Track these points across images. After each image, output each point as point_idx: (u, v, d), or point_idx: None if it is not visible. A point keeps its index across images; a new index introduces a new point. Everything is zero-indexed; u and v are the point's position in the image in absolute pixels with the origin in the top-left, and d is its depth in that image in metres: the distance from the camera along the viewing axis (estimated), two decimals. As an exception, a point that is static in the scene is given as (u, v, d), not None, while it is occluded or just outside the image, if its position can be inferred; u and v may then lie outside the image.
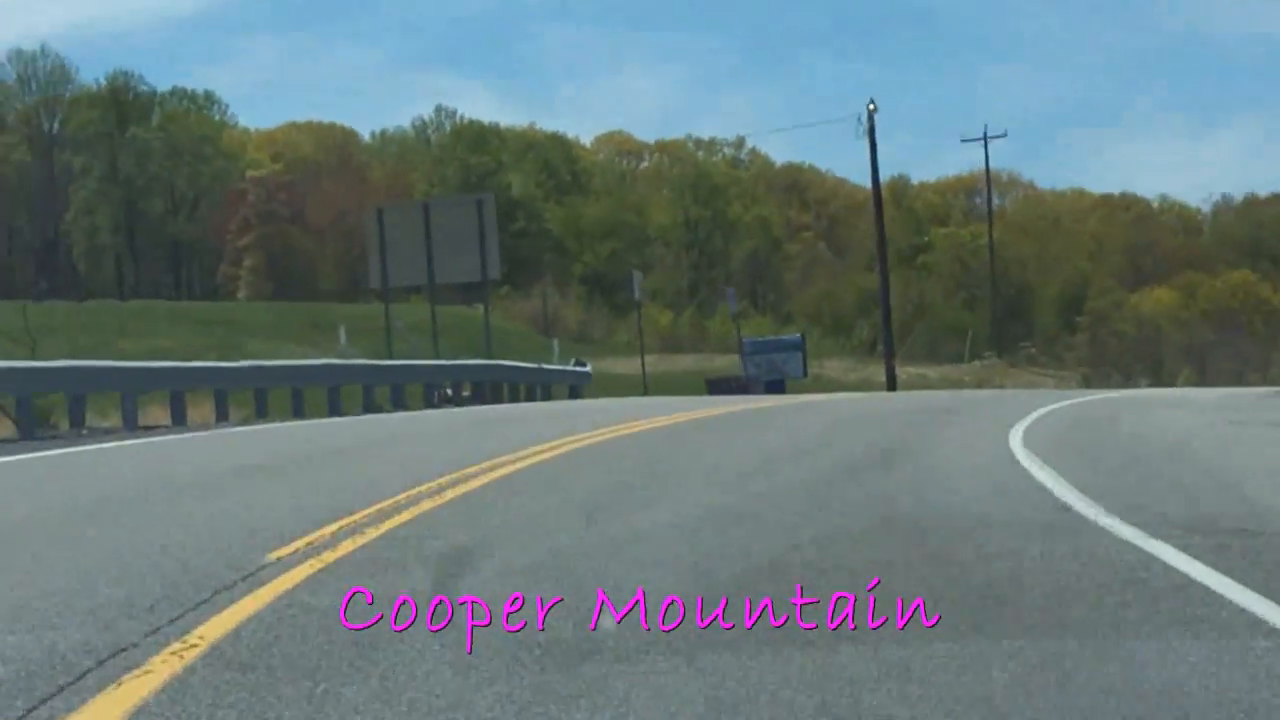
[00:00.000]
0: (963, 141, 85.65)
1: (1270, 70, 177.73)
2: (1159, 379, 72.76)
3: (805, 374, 57.96)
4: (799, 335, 62.30)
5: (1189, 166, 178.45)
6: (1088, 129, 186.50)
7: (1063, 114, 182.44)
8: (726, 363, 71.65)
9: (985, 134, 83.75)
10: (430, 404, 38.09)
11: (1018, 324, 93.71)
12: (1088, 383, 71.28)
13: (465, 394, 39.16)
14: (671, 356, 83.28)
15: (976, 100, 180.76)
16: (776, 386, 54.57)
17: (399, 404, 36.84)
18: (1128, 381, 71.39)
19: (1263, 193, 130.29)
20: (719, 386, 45.54)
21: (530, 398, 42.58)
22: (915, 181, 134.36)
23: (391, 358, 41.25)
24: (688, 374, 72.67)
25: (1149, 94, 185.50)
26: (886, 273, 65.02)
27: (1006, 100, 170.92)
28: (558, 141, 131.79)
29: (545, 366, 45.94)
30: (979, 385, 68.58)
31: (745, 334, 65.01)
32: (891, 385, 60.41)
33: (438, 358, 41.89)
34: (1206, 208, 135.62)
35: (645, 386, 46.84)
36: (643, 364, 48.82)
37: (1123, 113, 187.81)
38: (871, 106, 63.10)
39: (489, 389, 41.02)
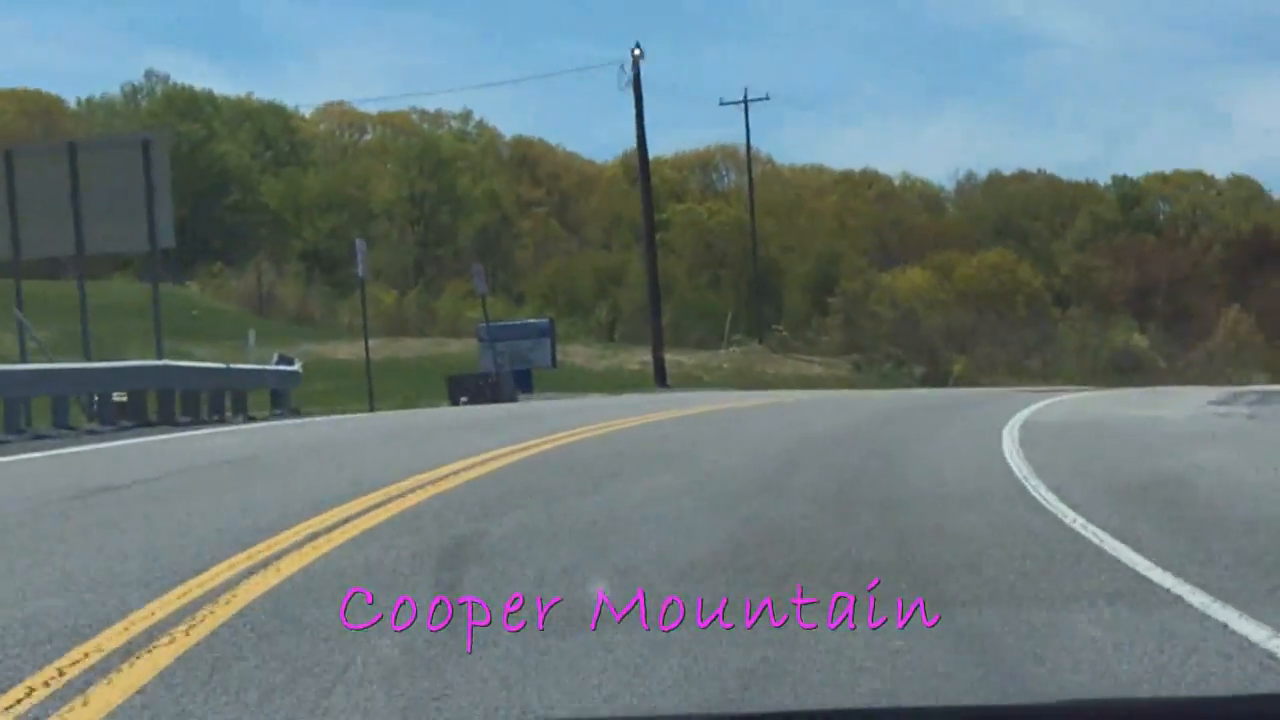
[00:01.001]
0: (721, 104, 78.75)
1: (997, 55, 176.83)
2: (935, 366, 67.40)
3: (554, 363, 50.61)
4: (547, 319, 54.46)
5: (923, 145, 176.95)
6: (823, 108, 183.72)
7: (797, 92, 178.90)
8: (461, 349, 64.34)
9: (745, 97, 76.86)
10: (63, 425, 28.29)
11: (767, 306, 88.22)
12: (859, 369, 65.61)
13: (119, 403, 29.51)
14: (398, 340, 76.05)
15: (710, 77, 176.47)
16: (523, 380, 47.40)
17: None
18: (899, 371, 65.97)
19: (1006, 170, 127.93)
20: (465, 387, 36.79)
21: (214, 410, 32.15)
22: (650, 157, 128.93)
23: (22, 359, 31.68)
24: (420, 360, 65.48)
25: (883, 74, 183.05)
26: (654, 249, 58.06)
27: (742, 78, 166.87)
28: (276, 111, 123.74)
29: (236, 367, 34.98)
30: (742, 374, 62.37)
31: (481, 317, 57.92)
32: (661, 375, 53.66)
33: (87, 356, 32.28)
34: (950, 185, 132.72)
35: (369, 375, 38.29)
36: (366, 350, 40.54)
37: (856, 92, 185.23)
38: (637, 52, 55.91)
39: (154, 400, 30.87)
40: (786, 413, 25.71)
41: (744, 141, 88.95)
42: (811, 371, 66.58)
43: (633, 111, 56.67)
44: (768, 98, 79.18)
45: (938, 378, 65.68)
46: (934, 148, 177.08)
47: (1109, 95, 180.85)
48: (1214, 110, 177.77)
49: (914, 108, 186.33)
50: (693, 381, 58.34)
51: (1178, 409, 27.88)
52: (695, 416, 23.75)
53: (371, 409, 33.89)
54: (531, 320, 54.84)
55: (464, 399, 35.11)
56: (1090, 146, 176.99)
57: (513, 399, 36.11)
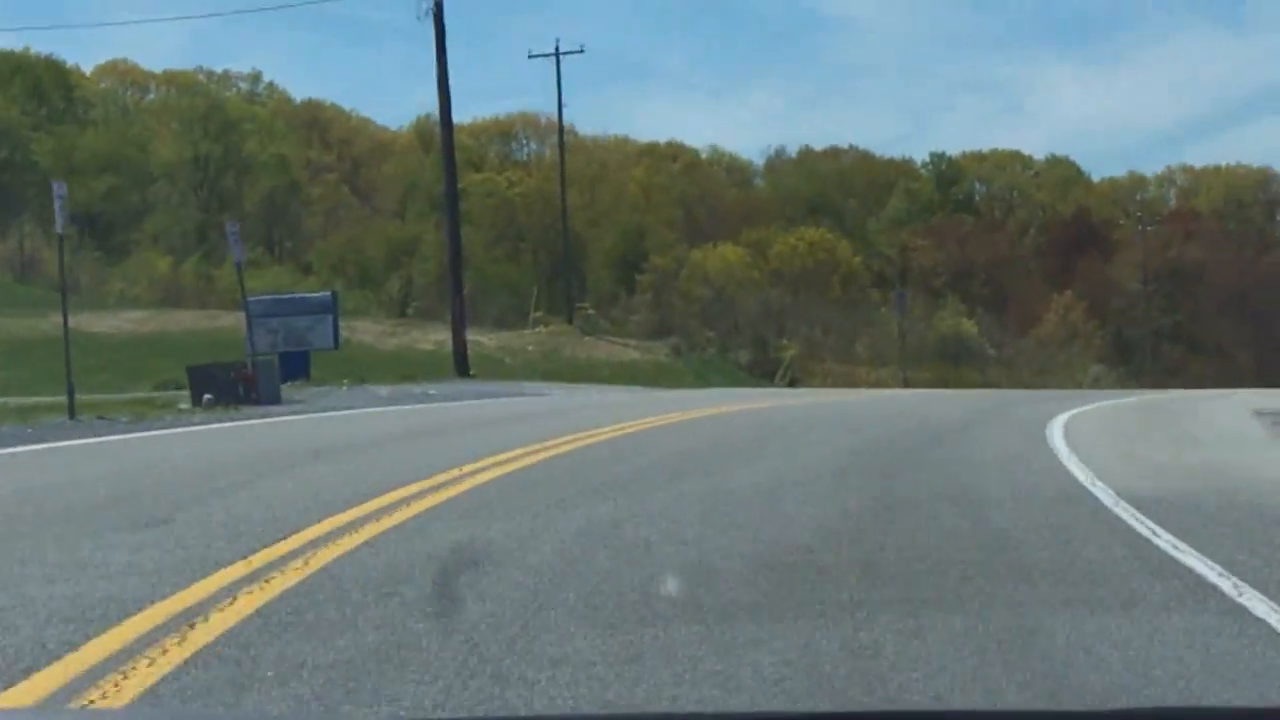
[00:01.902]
0: (530, 57, 72.30)
1: (801, 32, 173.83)
2: (763, 352, 62.22)
3: (337, 343, 44.12)
4: (329, 293, 47.58)
5: (730, 120, 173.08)
6: (626, 80, 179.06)
7: (599, 65, 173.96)
8: (234, 322, 57.86)
9: (557, 50, 70.62)
10: None
11: (571, 282, 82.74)
12: (679, 354, 60.32)
13: None
14: (168, 312, 69.36)
15: (508, 47, 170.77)
16: (298, 365, 41.05)
17: None
18: (724, 358, 60.79)
19: (817, 145, 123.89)
20: (210, 381, 29.39)
21: None
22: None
23: None
24: (187, 335, 58.86)
25: (687, 47, 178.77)
26: (456, 212, 51.61)
27: (542, 47, 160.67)
28: (52, 66, 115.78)
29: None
30: (549, 358, 56.68)
31: (258, 289, 51.60)
32: (462, 363, 47.60)
33: None
34: (760, 160, 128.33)
35: (68, 356, 31.28)
36: (65, 324, 33.64)
37: (660, 64, 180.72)
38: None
39: None
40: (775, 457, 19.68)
41: (545, 110, 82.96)
42: (626, 356, 61.09)
43: (433, 74, 50.31)
44: (582, 50, 72.81)
45: (767, 364, 60.58)
46: (741, 123, 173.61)
47: (913, 76, 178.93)
48: (1014, 94, 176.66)
49: (719, 82, 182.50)
50: (494, 367, 52.48)
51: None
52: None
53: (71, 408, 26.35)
54: (312, 294, 48.10)
55: (208, 396, 28.37)
56: (897, 126, 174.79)
57: (275, 399, 29.31)
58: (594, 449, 16.52)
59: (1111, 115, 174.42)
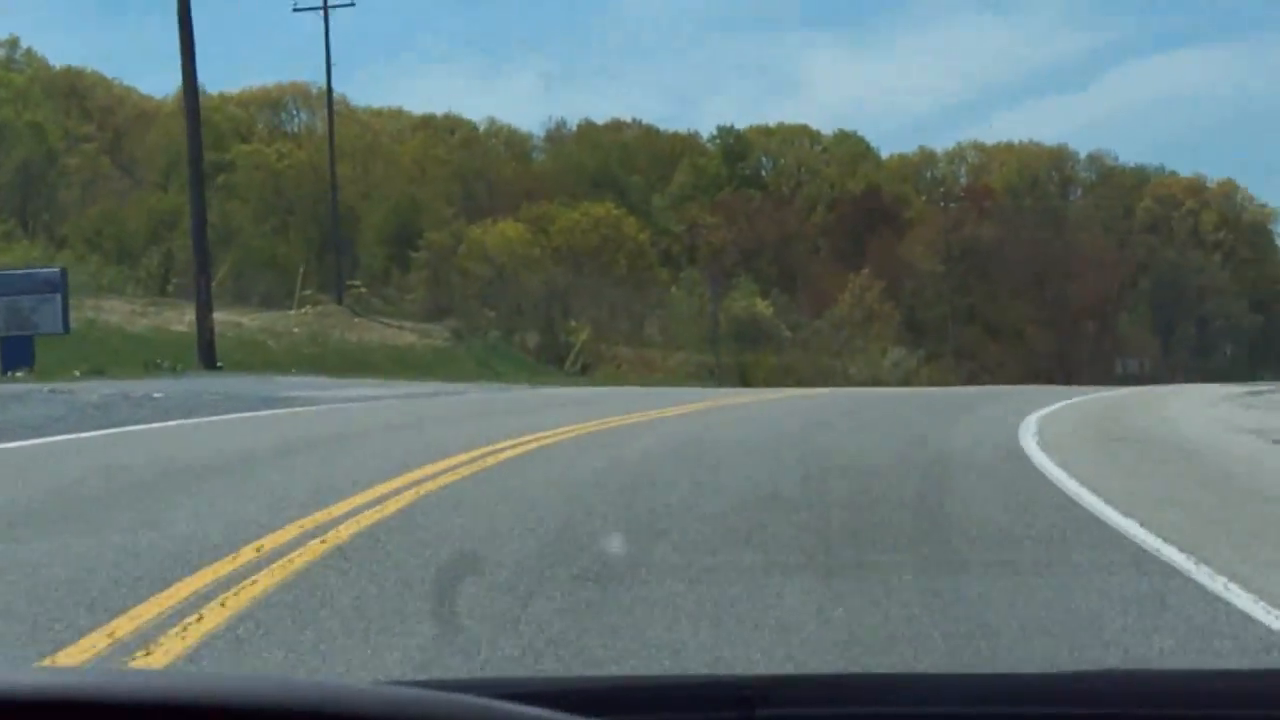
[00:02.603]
0: (295, 10, 66.64)
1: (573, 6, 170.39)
2: (550, 335, 57.71)
3: (67, 327, 38.65)
4: (58, 269, 41.69)
5: (507, 95, 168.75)
6: (401, 54, 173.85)
7: (374, 36, 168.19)
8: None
9: (325, 2, 64.85)
10: None
11: (342, 258, 77.78)
12: (460, 338, 55.68)
13: None
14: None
15: (282, 17, 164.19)
16: (20, 351, 35.81)
17: None
18: (509, 341, 56.29)
19: (599, 119, 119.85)
20: None
21: None
22: (215, 92, 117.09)
23: None
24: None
25: (461, 19, 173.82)
26: (200, 178, 46.17)
27: (314, 21, 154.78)
28: None
29: None
30: (317, 340, 51.69)
31: (5, 264, 46.01)
32: (208, 352, 42.27)
33: None
34: (540, 133, 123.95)
35: None
36: None
37: (434, 37, 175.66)
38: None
39: None
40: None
41: (317, 81, 77.57)
42: (402, 339, 56.28)
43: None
44: (353, 3, 67.19)
45: (556, 349, 56.11)
46: (518, 96, 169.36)
47: (686, 56, 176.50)
48: (789, 75, 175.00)
49: (495, 55, 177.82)
50: (254, 352, 47.32)
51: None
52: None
53: None
54: (37, 269, 42.32)
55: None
56: (674, 105, 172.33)
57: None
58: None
59: (887, 97, 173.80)
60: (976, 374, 77.36)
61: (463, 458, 14.86)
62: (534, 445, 16.81)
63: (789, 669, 6.69)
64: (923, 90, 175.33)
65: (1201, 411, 25.82)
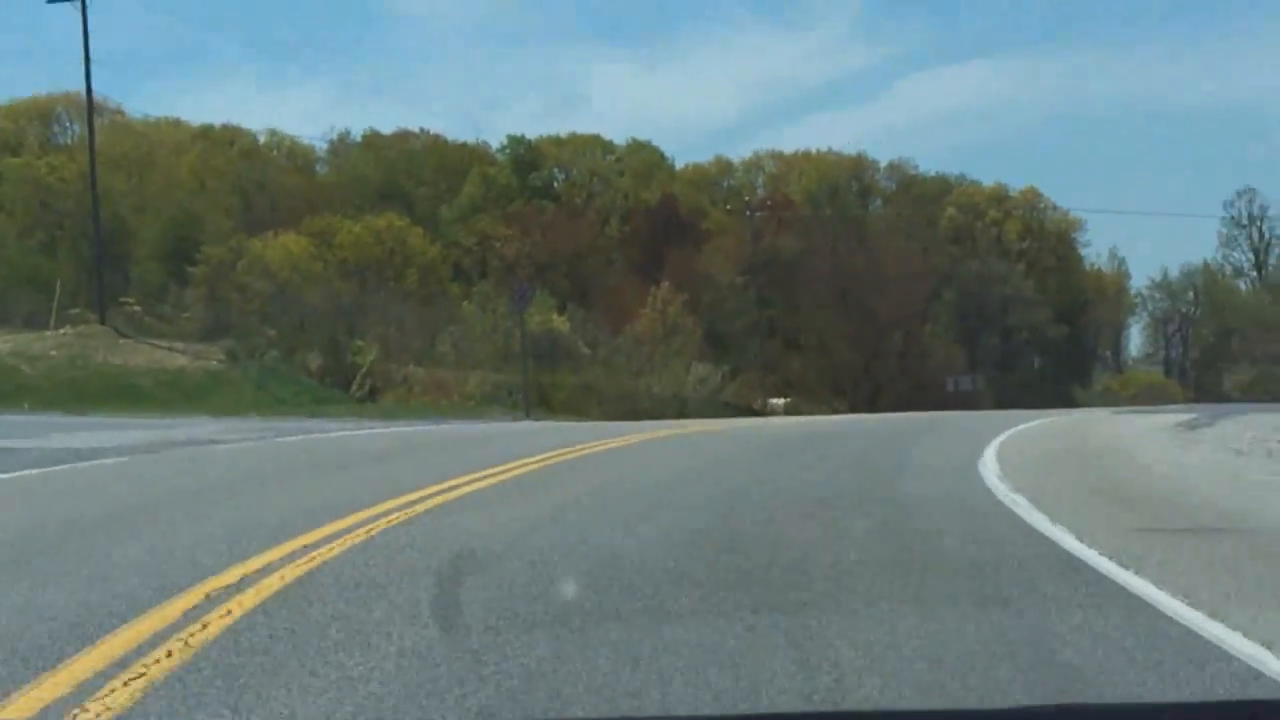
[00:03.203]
0: (50, 1, 61.92)
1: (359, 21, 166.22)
2: (336, 357, 53.71)
3: None
4: None
5: (290, 108, 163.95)
6: (179, 64, 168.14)
7: (151, 48, 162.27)
8: None
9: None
10: None
11: (115, 274, 73.12)
12: (235, 360, 51.53)
13: None
14: None
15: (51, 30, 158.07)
16: None
17: None
18: (290, 362, 52.28)
19: (383, 127, 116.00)
20: None
21: None
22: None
23: None
24: None
25: (243, 30, 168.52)
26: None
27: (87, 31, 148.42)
28: None
29: None
30: (76, 364, 47.29)
31: None
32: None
33: None
34: (323, 145, 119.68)
35: None
36: None
37: (214, 48, 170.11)
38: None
39: None
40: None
41: (96, 92, 72.66)
42: (172, 362, 52.03)
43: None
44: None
45: (342, 371, 52.13)
46: (301, 109, 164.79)
47: (475, 70, 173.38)
48: (579, 88, 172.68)
49: (277, 66, 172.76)
50: (6, 378, 42.93)
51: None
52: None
53: None
54: None
55: None
56: (463, 120, 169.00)
57: None
58: None
59: (678, 110, 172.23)
60: (781, 388, 75.01)
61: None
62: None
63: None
64: (714, 104, 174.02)
65: (1177, 456, 22.27)
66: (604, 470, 18.96)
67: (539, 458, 20.55)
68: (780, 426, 30.75)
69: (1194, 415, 32.33)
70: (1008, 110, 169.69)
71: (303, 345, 54.49)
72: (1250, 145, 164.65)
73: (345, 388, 50.42)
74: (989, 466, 19.32)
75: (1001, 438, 25.81)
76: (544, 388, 55.84)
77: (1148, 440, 25.65)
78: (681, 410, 57.23)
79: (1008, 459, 20.24)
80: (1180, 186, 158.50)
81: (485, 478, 17.46)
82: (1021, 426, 30.24)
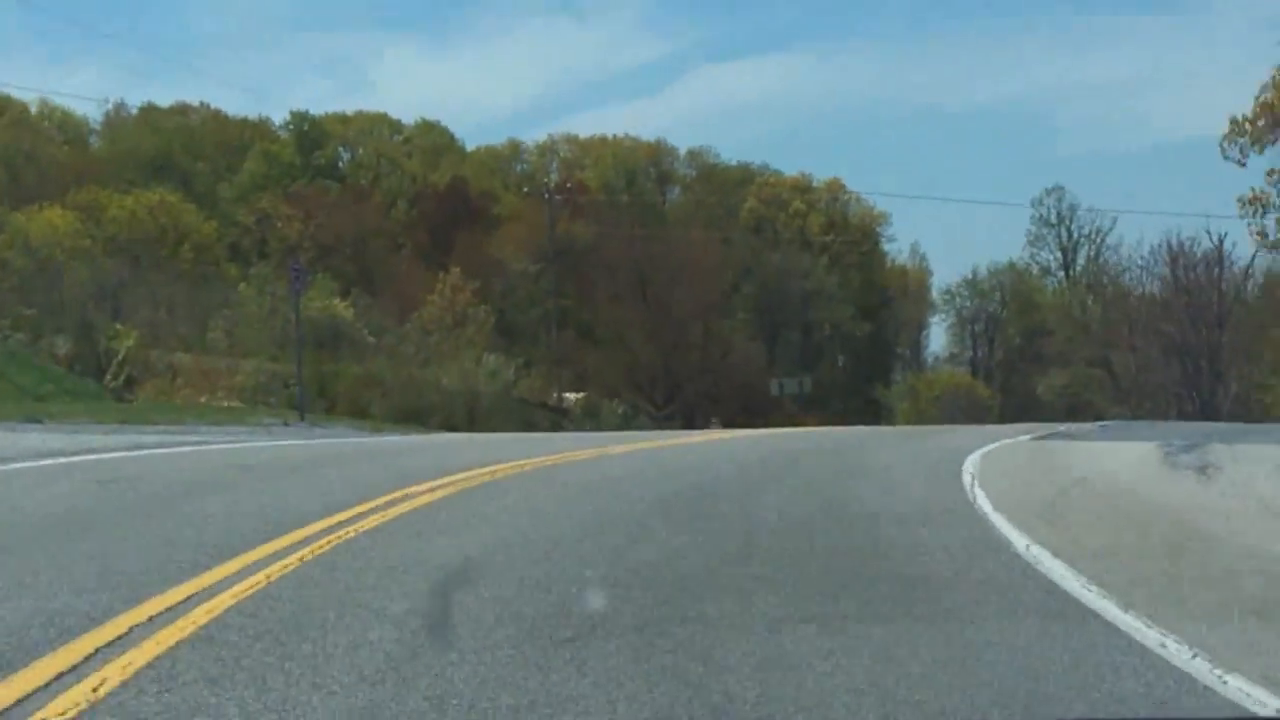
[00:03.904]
0: None
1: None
2: (89, 342, 48.88)
3: None
4: None
5: (63, 77, 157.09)
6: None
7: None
8: None
9: None
10: None
11: None
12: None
13: None
14: None
15: None
16: None
17: None
18: (36, 346, 47.53)
19: (163, 102, 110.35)
20: None
21: None
22: None
23: None
24: None
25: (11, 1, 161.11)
26: None
27: None
28: None
29: None
30: None
31: None
32: None
33: None
34: (98, 117, 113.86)
35: None
36: None
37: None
38: None
39: None
40: None
41: None
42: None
43: None
44: None
45: (95, 357, 47.33)
46: (77, 81, 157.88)
47: (259, 50, 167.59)
48: (365, 71, 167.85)
49: (54, 41, 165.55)
50: None
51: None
52: None
53: None
54: None
55: None
56: (251, 100, 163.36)
57: None
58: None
59: (468, 97, 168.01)
60: (576, 383, 71.57)
61: None
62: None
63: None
64: (505, 91, 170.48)
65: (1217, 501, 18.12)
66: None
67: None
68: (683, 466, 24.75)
69: (1158, 441, 28.37)
70: (809, 102, 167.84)
71: (54, 328, 49.62)
72: (1058, 143, 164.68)
73: (99, 377, 45.81)
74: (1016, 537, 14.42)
75: (973, 482, 20.54)
76: (324, 378, 51.66)
77: (1152, 475, 21.56)
78: (472, 405, 53.39)
79: (1031, 523, 15.49)
80: (988, 184, 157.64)
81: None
82: (971, 458, 24.46)
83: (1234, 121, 60.92)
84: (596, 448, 26.69)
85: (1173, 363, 79.07)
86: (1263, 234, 66.00)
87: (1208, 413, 73.77)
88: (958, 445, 27.77)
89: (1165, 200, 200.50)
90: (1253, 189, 63.51)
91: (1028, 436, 32.99)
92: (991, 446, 27.44)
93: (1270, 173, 62.96)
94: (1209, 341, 77.66)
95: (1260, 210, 64.06)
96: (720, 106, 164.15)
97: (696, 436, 36.02)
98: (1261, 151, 61.55)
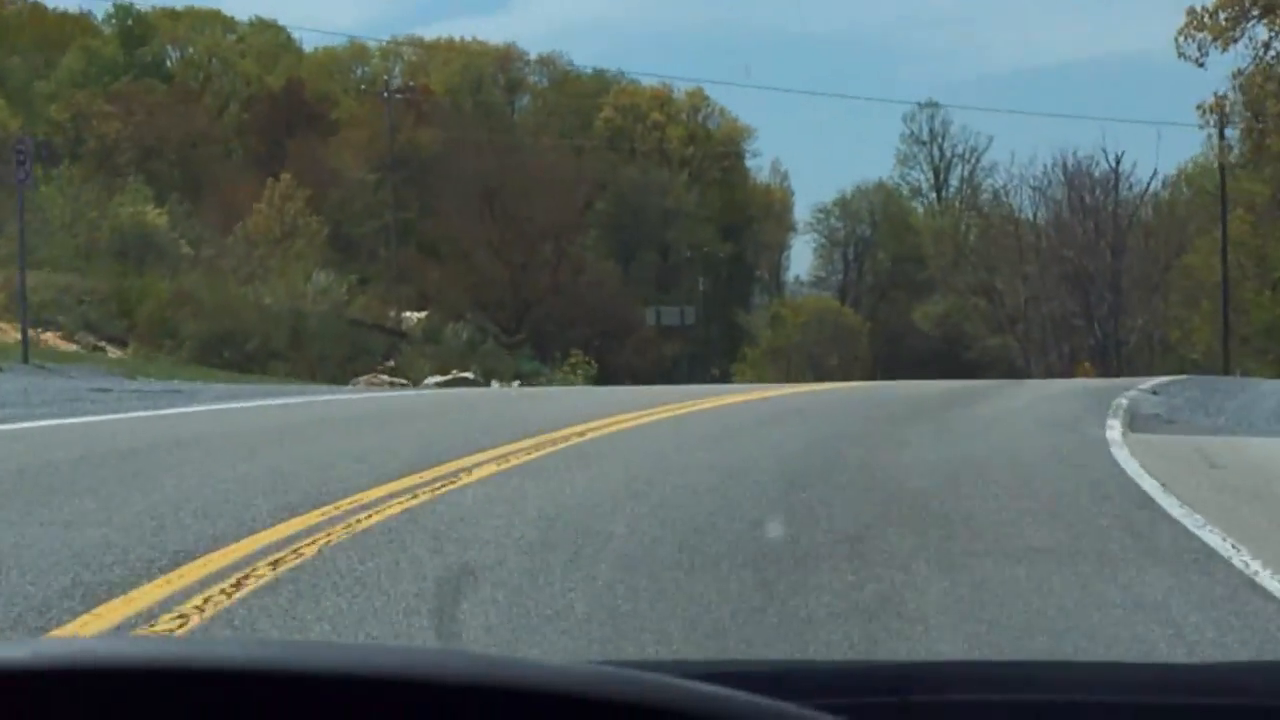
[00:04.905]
0: None
1: None
2: None
3: None
4: None
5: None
6: None
7: None
8: None
9: None
10: None
11: None
12: None
13: None
14: None
15: None
16: None
17: None
18: None
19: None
20: None
21: None
22: None
23: None
24: None
25: None
26: None
27: None
28: None
29: None
30: None
31: None
32: None
33: None
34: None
35: None
36: None
37: None
38: None
39: None
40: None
41: None
42: None
43: None
44: None
45: None
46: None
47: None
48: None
49: None
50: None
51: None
52: None
53: None
54: None
55: None
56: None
57: None
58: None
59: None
60: (418, 302, 66.03)
61: None
62: None
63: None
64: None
65: None
66: None
67: None
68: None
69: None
70: (669, 12, 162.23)
71: None
72: (932, 66, 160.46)
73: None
74: None
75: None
76: (125, 294, 45.80)
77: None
78: (298, 327, 47.78)
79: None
80: (858, 106, 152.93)
81: None
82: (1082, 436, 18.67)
83: (1191, 13, 52.09)
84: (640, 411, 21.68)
85: (1066, 291, 73.52)
86: (1227, 148, 59.11)
87: (1109, 348, 69.21)
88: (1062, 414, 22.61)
89: (1051, 124, 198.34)
90: (1215, 94, 54.51)
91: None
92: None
93: (1236, 73, 53.35)
94: (1112, 270, 72.14)
95: (1222, 120, 56.12)
96: (576, 20, 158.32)
97: (753, 394, 30.46)
98: (1225, 49, 52.35)
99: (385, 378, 45.88)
